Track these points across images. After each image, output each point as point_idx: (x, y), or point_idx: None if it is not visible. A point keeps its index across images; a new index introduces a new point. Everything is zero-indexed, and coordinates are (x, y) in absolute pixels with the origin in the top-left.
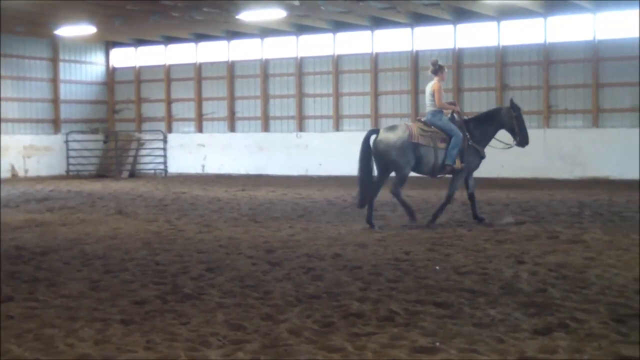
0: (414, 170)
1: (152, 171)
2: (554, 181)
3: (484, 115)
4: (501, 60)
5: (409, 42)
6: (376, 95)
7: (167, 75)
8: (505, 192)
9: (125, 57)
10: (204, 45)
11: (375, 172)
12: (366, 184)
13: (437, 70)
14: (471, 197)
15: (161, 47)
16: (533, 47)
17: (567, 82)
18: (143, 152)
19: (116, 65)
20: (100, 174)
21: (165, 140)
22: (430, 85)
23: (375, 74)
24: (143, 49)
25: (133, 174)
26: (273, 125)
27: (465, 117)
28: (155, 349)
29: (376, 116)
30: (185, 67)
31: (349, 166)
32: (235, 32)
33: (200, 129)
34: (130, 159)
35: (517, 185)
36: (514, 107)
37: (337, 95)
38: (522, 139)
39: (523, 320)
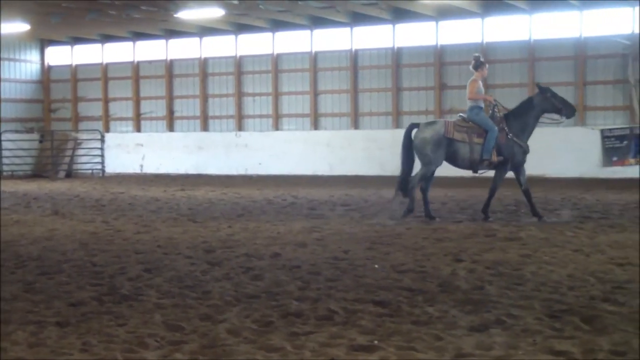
0: (453, 165)
1: (90, 171)
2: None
3: (519, 107)
4: (439, 60)
5: (348, 41)
6: (315, 94)
7: (105, 74)
8: (444, 191)
9: (62, 56)
10: (142, 43)
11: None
12: (407, 177)
13: (478, 65)
14: (526, 193)
15: (98, 45)
16: (471, 46)
17: (505, 81)
18: (80, 151)
19: (52, 64)
20: (36, 174)
21: (102, 140)
22: (469, 81)
23: (314, 73)
24: (79, 47)
25: (70, 174)
26: (212, 124)
27: (503, 112)
28: (92, 351)
29: (315, 115)
30: (123, 65)
31: (289, 165)
32: (173, 31)
33: (138, 129)
34: (67, 159)
35: (456, 184)
36: (543, 89)
37: (277, 95)
38: (567, 111)
39: (460, 317)
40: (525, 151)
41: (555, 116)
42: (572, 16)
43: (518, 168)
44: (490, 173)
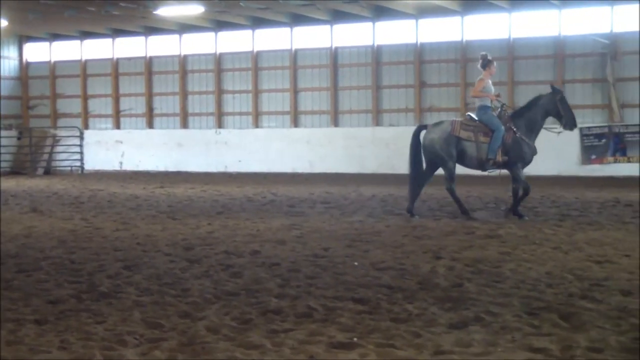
0: (461, 164)
1: (68, 168)
2: (471, 177)
3: (527, 105)
4: (419, 58)
5: (328, 39)
6: (295, 92)
7: (83, 70)
8: (424, 189)
9: (40, 52)
10: (121, 40)
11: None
12: (416, 178)
13: (485, 64)
14: (514, 192)
15: (77, 42)
16: (450, 45)
17: None
18: (58, 148)
19: (30, 60)
20: (14, 171)
21: (81, 137)
22: (477, 79)
23: (294, 71)
24: (58, 44)
25: (48, 171)
26: (192, 121)
27: (511, 111)
28: (70, 349)
29: (295, 113)
30: (102, 62)
31: (269, 163)
32: (153, 28)
33: (117, 126)
34: (45, 156)
35: (435, 182)
36: (555, 91)
37: (257, 92)
38: (568, 122)
39: (439, 314)
40: (534, 151)
41: (557, 124)
42: (551, 15)
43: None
44: (494, 172)
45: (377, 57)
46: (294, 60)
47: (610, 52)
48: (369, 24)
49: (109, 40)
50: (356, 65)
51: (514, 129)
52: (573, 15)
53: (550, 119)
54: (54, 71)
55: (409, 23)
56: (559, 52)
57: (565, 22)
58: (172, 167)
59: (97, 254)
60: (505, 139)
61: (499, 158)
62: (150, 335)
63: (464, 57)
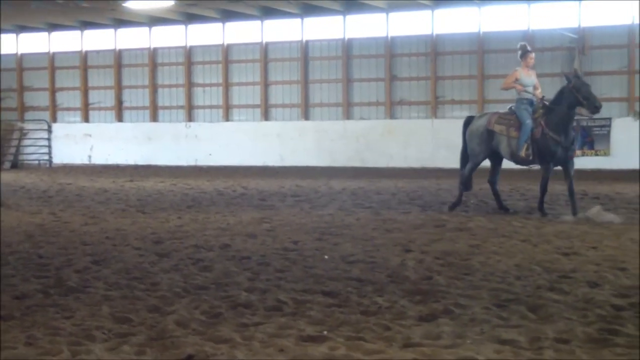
0: (500, 157)
1: (36, 162)
2: (442, 170)
3: (553, 99)
4: (390, 51)
5: (298, 32)
6: (266, 85)
7: (52, 63)
8: (394, 182)
9: (7, 44)
10: (90, 33)
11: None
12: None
13: (522, 54)
14: (570, 190)
15: (44, 34)
16: (421, 38)
17: (454, 73)
18: (26, 142)
19: None
20: None
21: (49, 130)
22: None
23: (265, 64)
24: (25, 36)
25: (15, 165)
26: (162, 115)
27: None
28: (36, 345)
29: (266, 106)
30: (70, 55)
31: (239, 156)
32: (122, 20)
33: (86, 119)
34: (13, 149)
35: (406, 175)
36: (568, 78)
37: (227, 85)
38: (589, 106)
39: (409, 307)
40: (565, 146)
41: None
42: (520, 9)
43: (564, 165)
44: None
45: (347, 51)
46: (265, 53)
47: (578, 46)
48: (339, 18)
49: (77, 33)
50: (327, 58)
51: (543, 125)
52: (542, 9)
53: None
54: (21, 63)
55: (380, 17)
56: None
57: (534, 17)
58: (141, 161)
59: (65, 248)
60: (535, 134)
61: (522, 153)
62: (119, 330)
63: (434, 50)
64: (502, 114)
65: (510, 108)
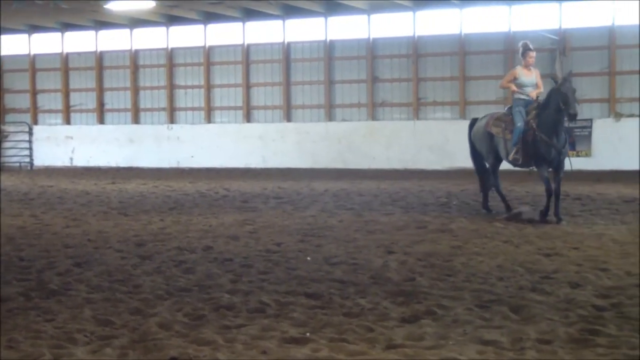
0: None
1: (17, 164)
2: (424, 172)
3: (544, 101)
4: (372, 53)
5: (281, 34)
6: (248, 87)
7: (32, 65)
8: (377, 183)
9: None
10: (71, 34)
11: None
12: (481, 171)
13: (522, 53)
14: (556, 193)
15: (25, 36)
16: (403, 40)
17: (436, 74)
18: (7, 144)
19: None
20: None
21: (30, 133)
22: None
23: (247, 66)
24: (5, 38)
25: None
26: (143, 117)
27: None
28: (18, 348)
29: (248, 108)
30: (51, 57)
31: (221, 158)
32: (103, 22)
33: (67, 121)
34: None
35: (388, 177)
36: (555, 81)
37: (209, 87)
38: (565, 112)
39: (392, 308)
40: (558, 149)
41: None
42: (501, 11)
43: (555, 168)
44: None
45: (329, 52)
46: (247, 55)
47: (559, 47)
48: (321, 19)
49: (58, 34)
50: (309, 60)
51: (535, 127)
52: (523, 11)
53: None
54: (1, 66)
55: (361, 18)
56: (510, 48)
57: (515, 18)
58: (123, 163)
59: (46, 250)
60: (527, 136)
61: (510, 157)
62: (101, 333)
63: (416, 52)
64: (499, 115)
65: (508, 109)
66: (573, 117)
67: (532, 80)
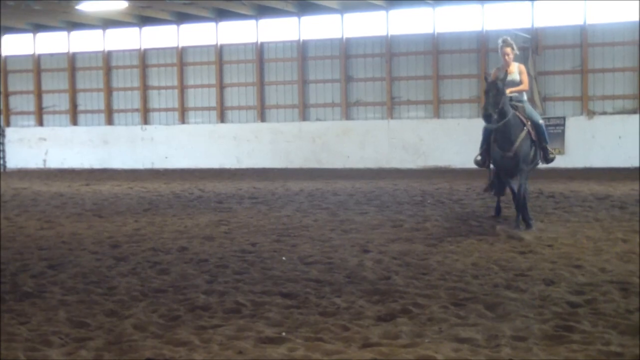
0: None
1: None
2: (398, 171)
3: None
4: (345, 53)
5: (254, 34)
6: (221, 87)
7: (4, 66)
8: (351, 183)
9: None
10: (43, 35)
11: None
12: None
13: (499, 49)
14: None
15: None
16: (376, 39)
17: (409, 74)
18: None
19: None
20: None
21: (2, 135)
22: None
23: (220, 66)
24: None
25: None
26: (117, 118)
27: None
28: None
29: (222, 108)
30: (23, 58)
31: (195, 159)
32: (75, 23)
33: (40, 123)
34: None
35: (363, 176)
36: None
37: (182, 88)
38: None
39: (367, 307)
40: (503, 155)
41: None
42: (474, 10)
43: (510, 175)
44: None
45: (303, 52)
46: (220, 55)
47: (532, 46)
48: (294, 19)
49: (29, 36)
50: (282, 60)
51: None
52: (495, 10)
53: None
54: None
55: (334, 18)
56: (482, 47)
57: (488, 17)
58: (97, 165)
59: (20, 253)
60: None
61: (474, 160)
62: (76, 335)
63: (389, 51)
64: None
65: None
66: (484, 118)
67: (513, 77)
